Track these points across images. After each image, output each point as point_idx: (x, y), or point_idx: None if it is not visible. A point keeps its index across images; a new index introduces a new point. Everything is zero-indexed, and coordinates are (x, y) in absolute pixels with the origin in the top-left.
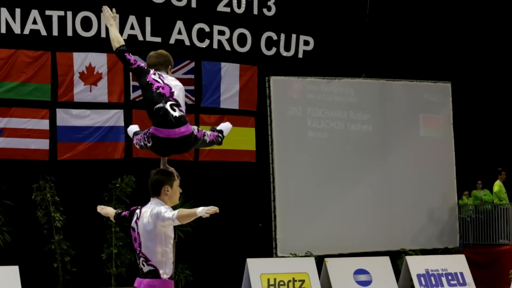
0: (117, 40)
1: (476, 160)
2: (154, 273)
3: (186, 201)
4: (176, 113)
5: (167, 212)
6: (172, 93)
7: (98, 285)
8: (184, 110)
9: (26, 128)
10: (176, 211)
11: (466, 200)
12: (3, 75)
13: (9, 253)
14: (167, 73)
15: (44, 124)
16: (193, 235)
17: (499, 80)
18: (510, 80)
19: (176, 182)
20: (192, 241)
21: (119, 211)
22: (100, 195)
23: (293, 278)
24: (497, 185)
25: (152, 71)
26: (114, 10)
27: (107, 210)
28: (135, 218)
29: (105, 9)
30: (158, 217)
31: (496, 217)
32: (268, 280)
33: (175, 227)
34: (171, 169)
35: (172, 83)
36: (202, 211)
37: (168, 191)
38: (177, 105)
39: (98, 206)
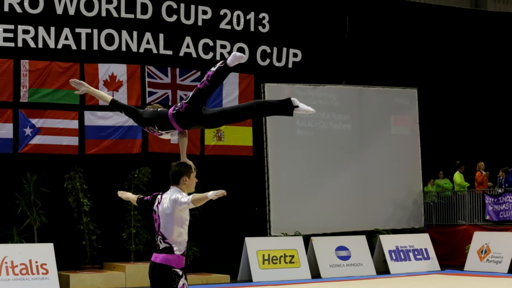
0: (105, 98)
1: (438, 154)
2: (168, 250)
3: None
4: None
5: (183, 197)
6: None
7: (119, 259)
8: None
9: (59, 127)
10: (190, 196)
11: (430, 187)
12: (40, 83)
13: (45, 233)
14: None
15: (74, 124)
16: (200, 218)
17: (458, 86)
18: (466, 86)
19: (193, 174)
20: (199, 223)
21: (141, 196)
22: (121, 184)
23: (284, 254)
24: (456, 176)
25: (156, 200)
26: (74, 79)
27: (127, 195)
28: (156, 202)
29: (72, 82)
30: (176, 203)
31: (455, 201)
32: (263, 255)
33: (189, 211)
34: (189, 162)
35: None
36: (212, 194)
37: (186, 181)
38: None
39: (119, 191)
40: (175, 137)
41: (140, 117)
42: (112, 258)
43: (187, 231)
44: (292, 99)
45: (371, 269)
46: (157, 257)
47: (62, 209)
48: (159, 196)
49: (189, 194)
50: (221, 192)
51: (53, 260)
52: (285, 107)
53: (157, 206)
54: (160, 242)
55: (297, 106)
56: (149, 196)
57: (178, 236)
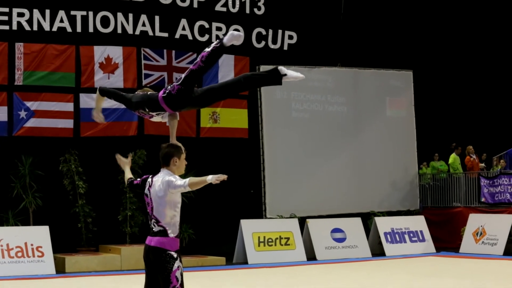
0: (126, 179)
1: (433, 136)
2: (163, 233)
3: (189, 171)
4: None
5: (178, 180)
6: (152, 209)
7: (115, 242)
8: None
9: (54, 110)
10: (187, 179)
11: (425, 169)
12: (35, 65)
13: (41, 215)
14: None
15: (69, 107)
16: (195, 200)
17: (453, 68)
18: (462, 68)
19: (183, 155)
20: (194, 205)
21: (132, 178)
22: (117, 166)
23: (280, 236)
24: (452, 158)
25: (147, 184)
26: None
27: (124, 165)
28: (147, 186)
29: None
30: (170, 185)
31: (450, 184)
32: (259, 237)
33: (183, 193)
34: (179, 144)
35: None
36: (212, 178)
37: (176, 162)
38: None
39: (117, 154)
40: (165, 120)
41: (130, 101)
42: (107, 240)
43: (179, 213)
44: (280, 67)
45: (367, 251)
46: (151, 240)
47: (57, 191)
48: (149, 179)
49: (181, 177)
50: (222, 177)
51: (48, 243)
52: (273, 77)
53: (148, 189)
54: (154, 225)
55: (285, 74)
56: (139, 180)
57: (171, 218)
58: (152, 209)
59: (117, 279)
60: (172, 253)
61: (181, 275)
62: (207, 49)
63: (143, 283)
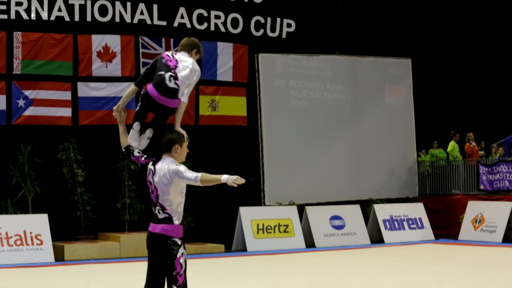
0: (122, 143)
1: (432, 124)
2: (167, 220)
3: (188, 159)
4: (171, 84)
5: (187, 172)
6: (176, 67)
7: (114, 230)
8: (179, 85)
9: (52, 99)
10: (199, 174)
11: (424, 157)
12: (33, 54)
13: (39, 204)
14: (188, 55)
15: (67, 95)
16: (194, 187)
17: (452, 56)
18: (460, 55)
19: (185, 143)
20: (193, 193)
21: (131, 148)
22: (115, 155)
23: (279, 223)
24: (451, 145)
25: (149, 171)
26: (123, 113)
27: (119, 122)
28: (150, 174)
29: (117, 110)
30: (177, 175)
31: (449, 171)
32: (258, 225)
33: None
34: (182, 131)
35: (182, 60)
36: (228, 179)
37: (178, 149)
38: (175, 78)
39: (114, 109)
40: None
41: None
42: (106, 228)
43: (183, 200)
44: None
45: (365, 238)
46: (155, 228)
47: (56, 180)
48: (151, 167)
49: (181, 163)
50: (240, 180)
51: (47, 231)
52: None
53: (152, 177)
54: (159, 212)
55: None
56: (142, 159)
57: (178, 205)
58: (156, 196)
59: (116, 266)
60: (177, 240)
61: (185, 261)
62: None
63: (142, 270)
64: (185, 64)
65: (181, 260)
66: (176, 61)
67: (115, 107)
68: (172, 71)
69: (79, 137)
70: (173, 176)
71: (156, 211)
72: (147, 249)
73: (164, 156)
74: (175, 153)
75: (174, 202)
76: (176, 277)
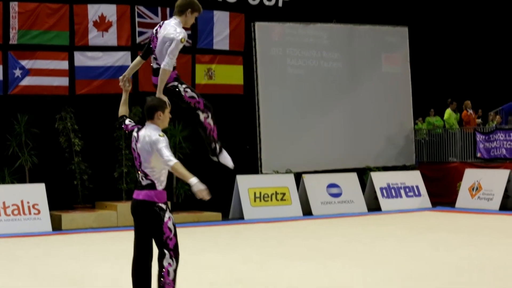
0: (120, 112)
1: (429, 92)
2: (151, 186)
3: (184, 128)
4: (153, 65)
5: (165, 149)
6: (155, 47)
7: (111, 199)
8: (160, 63)
9: (49, 68)
10: (174, 161)
11: (421, 125)
12: (29, 24)
13: (37, 173)
14: (178, 19)
15: (64, 65)
16: (191, 155)
17: (448, 24)
18: (457, 23)
19: (167, 110)
20: (190, 161)
21: (124, 117)
22: (112, 123)
23: (276, 192)
24: (447, 113)
25: (133, 138)
26: (128, 83)
27: (127, 91)
28: (134, 141)
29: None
30: (156, 149)
31: (446, 139)
32: (255, 193)
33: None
34: (165, 98)
35: (162, 34)
36: (195, 185)
37: (160, 116)
38: (155, 58)
39: (120, 79)
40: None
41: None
42: (103, 197)
43: (165, 167)
44: (223, 152)
45: (363, 206)
46: (139, 194)
47: (53, 149)
48: (135, 134)
49: (163, 130)
50: (204, 194)
51: (44, 200)
52: (211, 150)
53: (135, 144)
54: (142, 179)
55: (219, 153)
56: (130, 126)
57: (161, 173)
58: (140, 163)
59: (113, 235)
60: (161, 205)
61: (174, 225)
62: (209, 120)
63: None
64: (165, 37)
65: (169, 224)
66: (156, 39)
67: (121, 77)
68: (153, 53)
69: (75, 107)
70: (153, 146)
71: (140, 178)
72: (132, 217)
73: (147, 123)
74: (157, 120)
75: (157, 169)
76: (167, 241)
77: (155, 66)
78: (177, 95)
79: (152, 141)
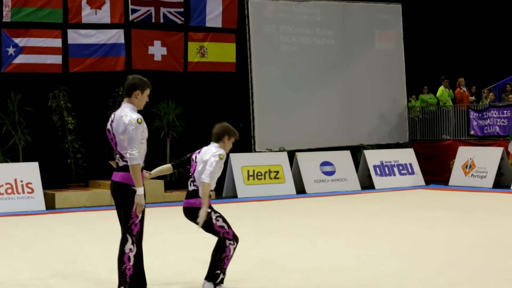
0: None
1: (422, 69)
2: (126, 168)
3: (178, 105)
4: (190, 188)
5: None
6: (116, 144)
7: (104, 177)
8: (198, 184)
9: (42, 46)
10: (135, 155)
11: (414, 102)
12: (23, 2)
13: (30, 152)
14: (217, 145)
15: (57, 43)
16: (184, 134)
17: (441, 1)
18: (449, 1)
19: (147, 91)
20: (183, 139)
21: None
22: (105, 102)
23: (269, 170)
24: (440, 90)
25: (110, 118)
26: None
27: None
28: (110, 121)
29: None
30: (206, 160)
31: (439, 116)
32: (248, 171)
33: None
34: (146, 79)
35: (201, 159)
36: (137, 196)
37: (138, 95)
38: (121, 156)
39: (145, 173)
40: None
41: None
42: (97, 176)
43: (145, 148)
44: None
45: (356, 184)
46: (116, 176)
47: (46, 127)
48: (112, 115)
49: (139, 111)
50: (139, 208)
51: (38, 179)
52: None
53: (110, 124)
54: (119, 160)
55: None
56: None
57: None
58: (116, 144)
59: (107, 214)
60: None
61: (143, 212)
62: (231, 248)
63: None
64: (200, 159)
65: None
66: (196, 162)
67: (147, 174)
68: (191, 175)
69: (69, 85)
70: (126, 127)
71: (117, 159)
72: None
73: (124, 103)
74: (135, 99)
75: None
76: (131, 227)
77: (190, 188)
78: (207, 222)
79: (126, 123)
